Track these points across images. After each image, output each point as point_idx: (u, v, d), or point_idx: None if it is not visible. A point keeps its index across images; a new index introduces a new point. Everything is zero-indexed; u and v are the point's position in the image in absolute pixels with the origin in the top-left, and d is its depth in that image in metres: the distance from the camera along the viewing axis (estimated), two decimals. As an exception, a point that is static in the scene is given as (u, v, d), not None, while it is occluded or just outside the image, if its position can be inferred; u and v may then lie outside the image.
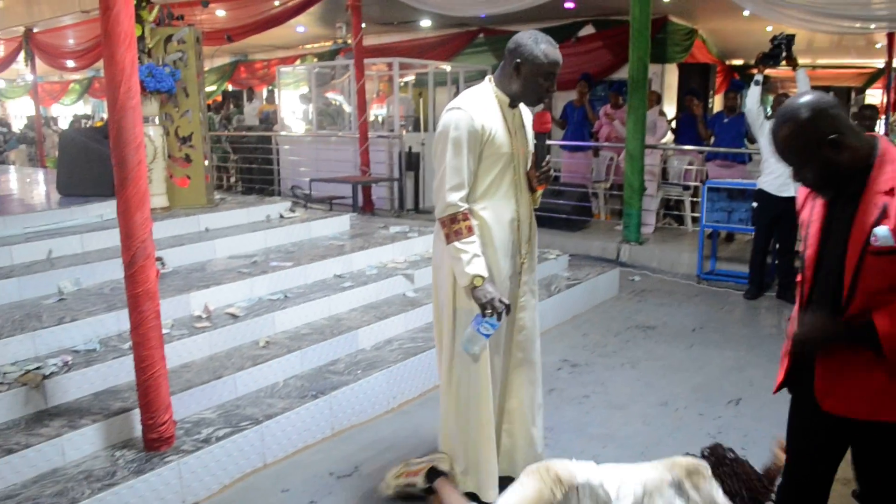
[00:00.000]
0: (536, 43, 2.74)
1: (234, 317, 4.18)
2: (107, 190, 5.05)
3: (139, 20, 5.48)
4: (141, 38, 5.52)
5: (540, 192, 3.06)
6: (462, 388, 2.95)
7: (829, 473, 2.25)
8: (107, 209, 5.24)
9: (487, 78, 2.95)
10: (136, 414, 3.20)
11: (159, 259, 4.63)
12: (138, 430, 3.20)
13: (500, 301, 2.73)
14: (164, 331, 3.73)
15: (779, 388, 2.32)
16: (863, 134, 2.03)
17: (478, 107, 2.80)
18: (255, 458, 3.40)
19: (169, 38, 5.72)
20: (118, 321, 3.86)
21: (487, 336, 2.78)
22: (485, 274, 2.73)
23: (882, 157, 2.00)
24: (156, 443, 3.15)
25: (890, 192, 1.95)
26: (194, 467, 3.14)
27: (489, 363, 2.93)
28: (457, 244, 2.74)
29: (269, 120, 12.64)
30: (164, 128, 5.69)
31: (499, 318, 2.76)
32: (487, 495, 2.97)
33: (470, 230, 2.75)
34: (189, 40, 5.73)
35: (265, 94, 15.15)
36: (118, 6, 2.83)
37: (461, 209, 2.75)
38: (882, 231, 1.92)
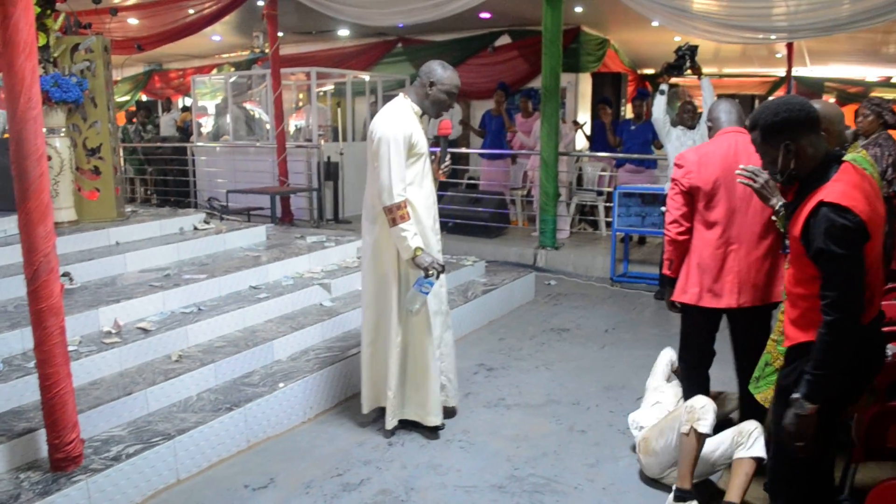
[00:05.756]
0: (444, 69, 3.67)
1: (146, 331, 4.11)
2: (10, 204, 4.89)
3: (44, 28, 5.33)
4: (46, 48, 5.37)
5: (440, 180, 3.96)
6: (413, 339, 3.80)
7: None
8: (10, 224, 5.06)
9: (401, 94, 3.76)
10: (42, 434, 3.12)
11: (66, 274, 4.52)
12: (44, 450, 3.12)
13: (438, 264, 3.60)
14: (72, 348, 3.67)
15: None
16: None
17: (404, 119, 3.61)
18: (167, 475, 3.35)
19: (76, 47, 5.57)
20: (22, 339, 3.74)
21: (426, 294, 3.60)
22: (423, 246, 3.58)
23: None
24: (62, 463, 3.07)
25: None
26: (104, 486, 3.08)
27: (439, 317, 3.85)
28: (401, 226, 3.52)
29: (190, 130, 12.38)
30: (71, 139, 5.53)
31: (436, 278, 3.61)
32: (435, 420, 3.85)
33: (408, 215, 3.54)
34: (97, 49, 5.59)
35: (181, 104, 14.87)
36: (17, 14, 2.76)
37: (403, 199, 3.52)
38: None
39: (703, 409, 3.06)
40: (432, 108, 3.72)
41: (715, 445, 3.16)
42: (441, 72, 3.66)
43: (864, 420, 2.91)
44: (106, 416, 3.45)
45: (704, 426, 3.02)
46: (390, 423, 3.84)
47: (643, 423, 3.52)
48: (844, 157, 2.49)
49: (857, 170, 2.38)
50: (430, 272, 3.55)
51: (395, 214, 3.52)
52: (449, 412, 4.05)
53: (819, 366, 2.21)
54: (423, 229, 3.67)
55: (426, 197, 3.74)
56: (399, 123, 3.56)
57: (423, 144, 3.66)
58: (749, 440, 3.03)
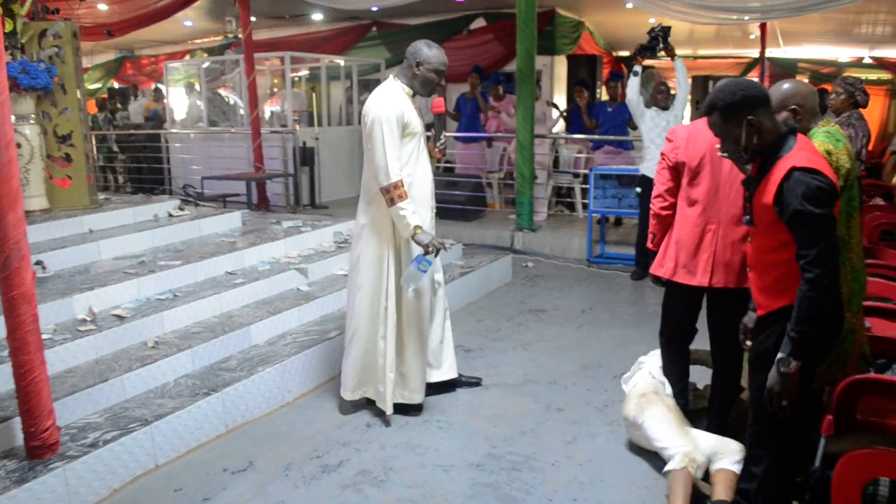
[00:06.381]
0: (430, 48, 3.72)
1: (121, 318, 4.09)
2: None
3: (10, 14, 5.25)
4: (13, 34, 5.29)
5: (437, 158, 3.97)
6: (409, 319, 3.84)
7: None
8: (-19, 213, 5.00)
9: (392, 76, 3.79)
10: (18, 422, 3.10)
11: (39, 262, 4.48)
12: (20, 438, 3.10)
13: (438, 241, 3.63)
14: (47, 336, 3.65)
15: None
16: None
17: (395, 99, 3.64)
18: (145, 460, 3.35)
19: (43, 33, 5.48)
20: (-5, 328, 3.71)
21: (425, 272, 3.62)
22: (422, 224, 3.63)
23: None
24: (39, 450, 3.06)
25: None
26: (81, 473, 3.07)
27: (428, 297, 3.89)
28: (399, 205, 3.55)
29: (157, 118, 12.24)
30: (41, 126, 5.46)
31: (435, 256, 3.62)
32: (420, 397, 3.93)
33: (406, 194, 3.57)
34: (65, 35, 5.51)
35: (153, 91, 14.68)
36: (-21, 0, 2.73)
37: (399, 178, 3.55)
38: None
39: (701, 461, 3.10)
40: (422, 88, 3.76)
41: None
42: (427, 51, 3.70)
43: (835, 392, 2.97)
44: (82, 403, 3.44)
45: (699, 473, 3.08)
46: (390, 407, 3.81)
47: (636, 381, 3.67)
48: (817, 130, 2.55)
49: (811, 141, 2.48)
50: (430, 250, 3.59)
51: (392, 194, 3.55)
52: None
53: (803, 322, 2.29)
54: (418, 207, 3.70)
55: (423, 175, 3.78)
56: (390, 103, 3.60)
57: (416, 123, 3.70)
58: (733, 456, 3.07)
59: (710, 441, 3.20)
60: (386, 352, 3.77)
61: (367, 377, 3.90)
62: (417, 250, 3.64)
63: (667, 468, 3.12)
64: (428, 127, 3.95)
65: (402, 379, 3.89)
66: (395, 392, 3.87)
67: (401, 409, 3.91)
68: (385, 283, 3.75)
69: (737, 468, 3.04)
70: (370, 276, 3.79)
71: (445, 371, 4.14)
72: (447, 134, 10.17)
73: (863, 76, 14.19)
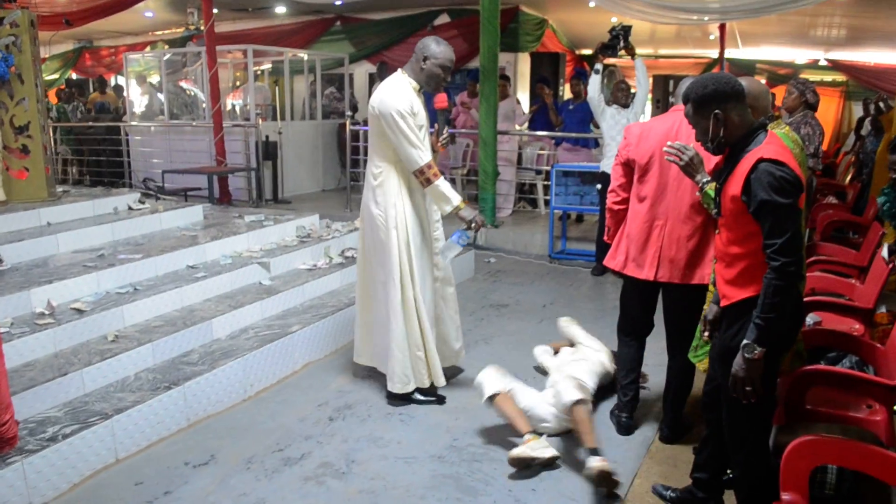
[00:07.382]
0: (438, 44, 3.81)
1: (80, 312, 4.05)
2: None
3: (-36, 3, 5.17)
4: (-33, 22, 5.20)
5: (440, 152, 4.07)
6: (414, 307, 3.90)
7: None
8: (-66, 204, 4.91)
9: (399, 71, 3.88)
10: (-26, 416, 3.06)
11: (-5, 255, 4.43)
12: (-23, 433, 3.07)
13: (480, 219, 3.82)
14: (4, 329, 3.63)
15: None
16: None
17: (403, 91, 3.76)
18: (105, 454, 3.33)
19: (0, 22, 5.40)
20: (-50, 321, 3.66)
21: (463, 245, 3.80)
22: (462, 200, 3.81)
23: None
24: (-3, 444, 3.04)
25: None
26: (40, 467, 3.05)
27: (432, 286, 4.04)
28: (436, 183, 3.74)
29: (104, 110, 12.01)
30: (-3, 117, 5.38)
31: (476, 231, 3.83)
32: (441, 381, 4.03)
33: (440, 173, 3.77)
34: (23, 24, 5.42)
35: (112, 82, 14.45)
36: (-66, -11, 2.69)
37: (430, 158, 3.75)
38: None
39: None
40: (428, 83, 3.84)
41: (533, 403, 3.62)
42: (435, 47, 3.79)
43: (785, 383, 3.07)
44: (41, 397, 3.41)
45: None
46: (423, 381, 3.98)
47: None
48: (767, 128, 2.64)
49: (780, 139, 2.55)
50: (472, 226, 3.74)
51: (427, 174, 3.72)
52: None
53: (768, 310, 2.36)
54: (425, 199, 3.92)
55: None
56: (398, 96, 3.71)
57: (422, 116, 3.81)
58: (563, 394, 3.35)
59: (544, 395, 3.62)
60: (424, 330, 3.92)
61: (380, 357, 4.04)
62: (416, 229, 3.83)
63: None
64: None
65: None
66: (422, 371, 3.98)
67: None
68: (394, 269, 3.83)
69: (571, 397, 3.33)
70: (382, 262, 3.89)
71: (459, 354, 4.41)
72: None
73: (818, 78, 14.56)
